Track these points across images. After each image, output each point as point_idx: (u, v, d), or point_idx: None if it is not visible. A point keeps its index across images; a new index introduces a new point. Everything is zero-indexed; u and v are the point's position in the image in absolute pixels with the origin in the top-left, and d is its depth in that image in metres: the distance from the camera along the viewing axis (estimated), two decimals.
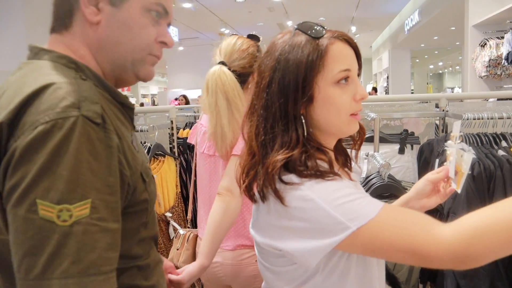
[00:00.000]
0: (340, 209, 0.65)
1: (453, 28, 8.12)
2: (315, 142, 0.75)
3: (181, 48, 11.34)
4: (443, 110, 2.00)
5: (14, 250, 0.55)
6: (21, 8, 4.43)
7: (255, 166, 0.74)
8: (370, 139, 1.96)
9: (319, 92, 0.73)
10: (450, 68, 18.66)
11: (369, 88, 15.60)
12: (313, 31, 0.74)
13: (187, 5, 7.65)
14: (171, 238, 1.77)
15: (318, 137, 0.77)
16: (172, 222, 1.75)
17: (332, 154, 0.76)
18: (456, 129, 0.84)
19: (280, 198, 0.69)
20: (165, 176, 1.84)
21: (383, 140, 1.92)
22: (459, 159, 0.83)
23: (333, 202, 0.66)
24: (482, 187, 1.46)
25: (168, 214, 1.75)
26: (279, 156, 0.70)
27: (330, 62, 0.72)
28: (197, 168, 1.49)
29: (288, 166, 0.71)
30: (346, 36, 0.76)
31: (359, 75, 0.79)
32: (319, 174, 0.69)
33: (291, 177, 0.70)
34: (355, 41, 0.77)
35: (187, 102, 8.18)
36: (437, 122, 2.13)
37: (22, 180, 0.54)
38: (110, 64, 0.73)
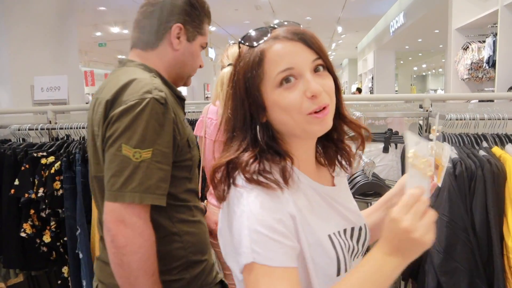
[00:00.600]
0: (255, 236, 0.63)
1: (437, 31, 8.27)
2: (276, 147, 0.73)
3: None
4: (427, 111, 2.03)
5: (105, 173, 0.94)
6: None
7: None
8: None
9: (267, 99, 0.72)
10: (434, 70, 18.98)
11: (353, 88, 15.73)
12: (249, 40, 0.73)
13: None
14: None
15: (286, 142, 0.76)
16: None
17: (291, 160, 0.73)
18: (435, 123, 0.84)
19: (223, 198, 0.72)
20: None
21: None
22: (439, 153, 0.82)
23: (255, 226, 0.64)
24: (464, 186, 1.48)
25: None
26: (225, 159, 0.71)
27: (268, 66, 0.71)
28: (208, 154, 1.78)
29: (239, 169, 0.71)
30: (289, 32, 0.72)
31: (327, 66, 0.74)
32: (262, 182, 0.68)
33: (239, 179, 0.70)
34: (306, 32, 0.73)
35: None
36: (421, 122, 2.16)
37: (115, 132, 0.93)
38: (175, 75, 1.13)
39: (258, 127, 0.73)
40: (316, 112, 0.70)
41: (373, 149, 1.91)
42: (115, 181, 0.90)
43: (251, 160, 0.70)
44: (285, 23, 0.76)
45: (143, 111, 0.92)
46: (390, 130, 2.04)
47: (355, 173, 1.86)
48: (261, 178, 0.68)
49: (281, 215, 0.66)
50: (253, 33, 0.74)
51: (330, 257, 0.71)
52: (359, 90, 12.21)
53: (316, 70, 0.72)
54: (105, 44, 11.26)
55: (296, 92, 0.69)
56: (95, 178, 1.04)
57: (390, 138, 1.92)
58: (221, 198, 0.73)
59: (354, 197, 1.68)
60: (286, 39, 0.71)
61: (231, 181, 0.71)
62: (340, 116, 0.79)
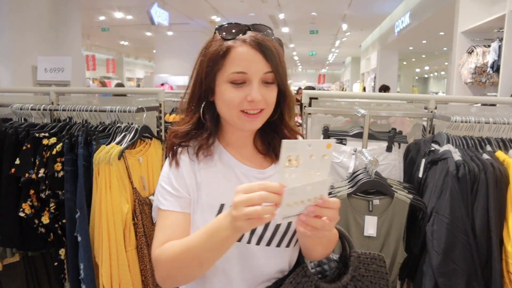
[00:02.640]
0: (159, 188, 0.89)
1: (442, 33, 8.25)
2: (208, 125, 0.90)
3: (170, 33, 11.17)
4: (431, 112, 2.03)
5: None
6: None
7: None
8: (359, 135, 1.98)
9: (217, 86, 0.85)
10: (436, 73, 18.97)
11: (355, 87, 15.71)
12: (224, 33, 0.84)
13: None
14: (154, 222, 1.74)
15: (224, 124, 0.92)
16: None
17: (214, 138, 0.91)
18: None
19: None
20: (151, 159, 1.80)
21: (372, 137, 1.93)
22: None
23: (160, 182, 0.90)
24: (466, 189, 1.48)
25: (152, 198, 1.73)
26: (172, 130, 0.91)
27: (228, 62, 0.82)
28: None
29: None
30: (256, 40, 0.82)
31: (277, 79, 0.85)
32: (172, 154, 0.90)
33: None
34: (269, 46, 0.83)
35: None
36: (425, 123, 2.15)
37: None
38: None
39: (204, 104, 0.89)
40: (248, 113, 0.84)
41: (376, 147, 1.90)
42: None
43: (180, 133, 0.90)
44: (262, 28, 0.86)
45: None
46: (394, 129, 2.03)
47: (357, 171, 1.85)
48: (176, 149, 0.90)
49: (177, 175, 0.89)
50: (230, 26, 0.85)
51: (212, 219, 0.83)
52: (363, 89, 12.18)
53: (266, 81, 0.84)
54: (108, 29, 11.16)
55: (240, 92, 0.82)
56: None
57: (394, 137, 1.91)
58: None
59: (356, 195, 1.66)
60: (251, 46, 0.82)
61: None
62: (282, 121, 0.94)
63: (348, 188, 1.71)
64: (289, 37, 13.76)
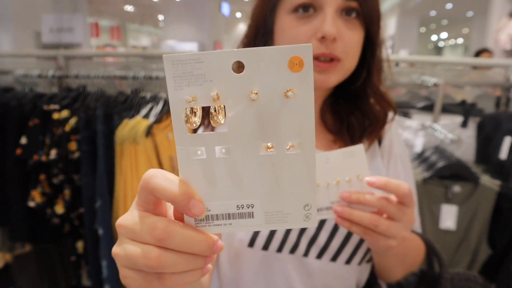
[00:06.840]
0: None
1: None
2: None
3: None
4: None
5: None
6: None
7: None
8: (427, 108, 1.67)
9: (277, 22, 0.61)
10: (454, 40, 18.22)
11: None
12: None
13: None
14: None
15: None
16: None
17: None
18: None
19: None
20: None
21: (442, 109, 1.62)
22: None
23: None
24: None
25: None
26: None
27: None
28: None
29: None
30: None
31: (364, 15, 0.58)
32: None
33: None
34: None
35: None
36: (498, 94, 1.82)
37: None
38: None
39: None
40: (317, 60, 0.56)
41: (449, 122, 1.59)
42: None
43: None
44: None
45: None
46: (465, 101, 1.71)
47: (425, 150, 1.56)
48: None
49: None
50: None
51: None
52: None
53: (347, 12, 0.58)
54: None
55: (307, 27, 0.57)
56: None
57: (470, 111, 1.60)
58: None
59: (431, 179, 1.37)
60: None
61: None
62: (370, 85, 0.65)
63: (422, 171, 1.42)
64: None
